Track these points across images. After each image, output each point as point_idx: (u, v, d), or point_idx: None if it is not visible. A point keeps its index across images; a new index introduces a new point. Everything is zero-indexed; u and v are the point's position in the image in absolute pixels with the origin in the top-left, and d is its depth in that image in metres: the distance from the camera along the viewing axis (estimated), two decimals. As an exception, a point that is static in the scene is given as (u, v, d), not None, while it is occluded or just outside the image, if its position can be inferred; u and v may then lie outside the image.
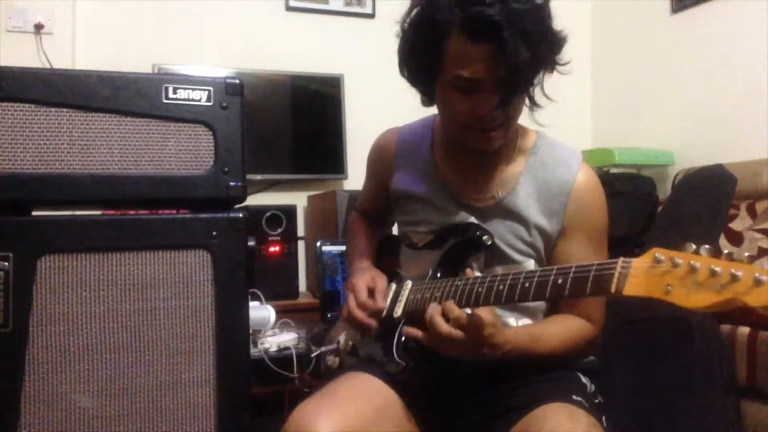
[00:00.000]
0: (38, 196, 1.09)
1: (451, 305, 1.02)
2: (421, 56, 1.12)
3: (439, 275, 1.17)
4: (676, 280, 0.77)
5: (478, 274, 1.08)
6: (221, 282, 1.15)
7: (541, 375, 1.11)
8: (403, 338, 1.12)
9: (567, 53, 1.12)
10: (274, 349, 1.75)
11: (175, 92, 1.14)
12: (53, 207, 1.19)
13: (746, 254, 0.73)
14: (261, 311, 1.90)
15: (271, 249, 2.38)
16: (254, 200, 2.46)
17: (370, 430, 1.05)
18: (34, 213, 1.13)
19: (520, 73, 1.04)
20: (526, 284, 0.97)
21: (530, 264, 1.17)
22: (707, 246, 0.76)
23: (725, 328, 1.78)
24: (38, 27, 2.50)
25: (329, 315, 2.07)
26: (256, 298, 1.99)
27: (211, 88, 1.16)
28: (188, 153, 1.15)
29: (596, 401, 1.14)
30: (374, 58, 2.82)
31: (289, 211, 2.42)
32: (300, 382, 1.62)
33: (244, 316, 1.17)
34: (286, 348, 1.75)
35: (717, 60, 2.68)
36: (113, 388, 1.09)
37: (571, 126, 3.06)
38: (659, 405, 1.66)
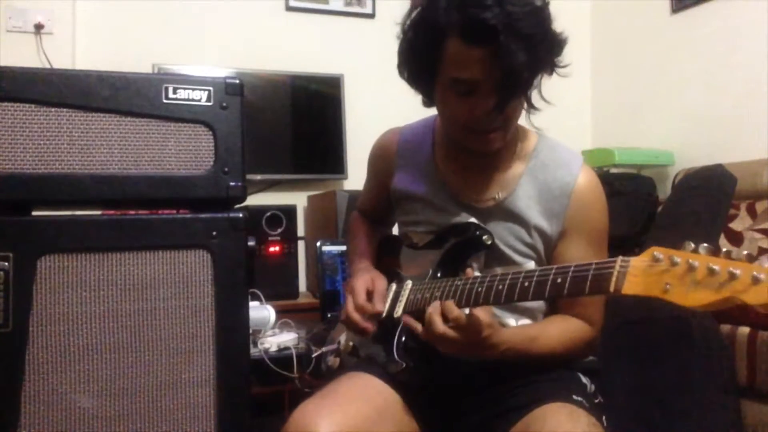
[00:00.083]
0: (38, 196, 1.09)
1: (451, 305, 1.02)
2: (420, 57, 1.12)
3: (439, 275, 1.17)
4: (674, 278, 0.77)
5: (478, 274, 1.08)
6: (221, 282, 1.15)
7: (542, 375, 1.11)
8: (404, 338, 1.13)
9: (567, 54, 1.12)
10: (274, 349, 1.75)
11: (175, 92, 1.15)
12: (53, 207, 1.19)
13: (745, 253, 0.73)
14: (261, 311, 1.90)
15: (271, 249, 2.38)
16: (254, 200, 2.46)
17: (371, 430, 1.05)
18: (34, 213, 1.14)
19: (517, 76, 1.03)
20: (526, 283, 0.97)
21: (530, 265, 1.17)
22: (706, 245, 0.76)
23: (725, 327, 1.78)
24: (38, 27, 2.50)
25: (329, 315, 2.07)
26: (256, 298, 1.99)
27: (211, 88, 1.16)
28: (188, 153, 1.15)
29: (596, 401, 1.14)
30: (374, 58, 2.82)
31: (289, 211, 2.42)
32: (300, 383, 1.62)
33: (244, 316, 1.17)
34: (286, 348, 1.75)
35: (717, 60, 2.68)
36: (113, 388, 1.09)
37: (571, 126, 3.06)
38: (659, 405, 1.66)
